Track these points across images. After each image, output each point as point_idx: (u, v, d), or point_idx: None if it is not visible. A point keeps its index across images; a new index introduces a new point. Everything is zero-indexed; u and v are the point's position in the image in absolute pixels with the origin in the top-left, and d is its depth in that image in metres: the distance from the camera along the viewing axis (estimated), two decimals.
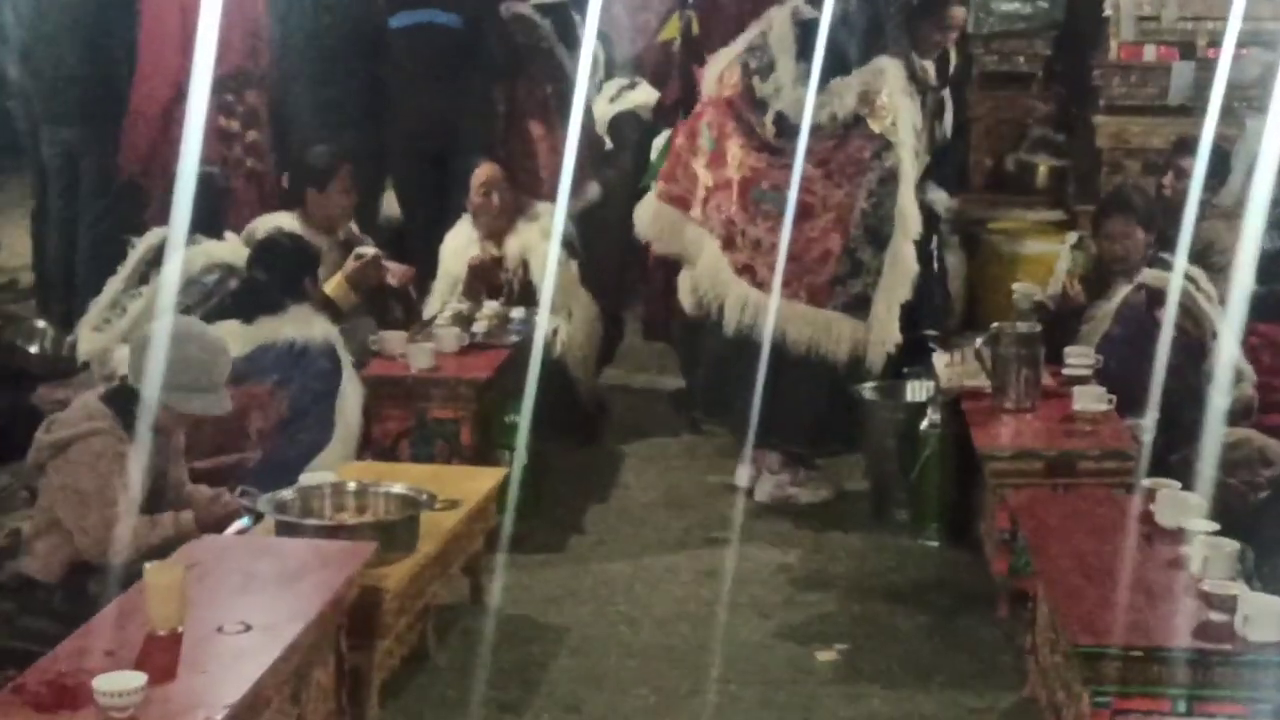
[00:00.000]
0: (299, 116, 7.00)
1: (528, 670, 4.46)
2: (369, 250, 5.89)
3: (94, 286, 6.00)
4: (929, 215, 5.77)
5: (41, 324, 6.64)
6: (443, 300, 6.28)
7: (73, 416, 4.41)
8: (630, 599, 4.99)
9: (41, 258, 7.49)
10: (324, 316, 5.33)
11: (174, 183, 5.66)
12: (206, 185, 5.60)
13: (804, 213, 5.53)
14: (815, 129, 5.48)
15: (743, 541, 5.35)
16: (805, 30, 5.39)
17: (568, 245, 6.26)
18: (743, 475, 5.76)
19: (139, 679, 3.15)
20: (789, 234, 5.52)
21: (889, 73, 5.50)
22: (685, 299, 6.08)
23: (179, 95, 6.27)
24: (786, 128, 5.48)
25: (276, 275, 5.29)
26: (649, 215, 5.94)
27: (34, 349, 6.43)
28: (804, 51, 5.39)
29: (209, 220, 5.59)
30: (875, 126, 5.47)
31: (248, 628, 3.50)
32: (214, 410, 4.43)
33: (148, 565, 3.57)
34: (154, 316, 4.69)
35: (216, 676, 3.27)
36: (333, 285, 5.76)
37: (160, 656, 3.31)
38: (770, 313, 5.51)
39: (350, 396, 5.24)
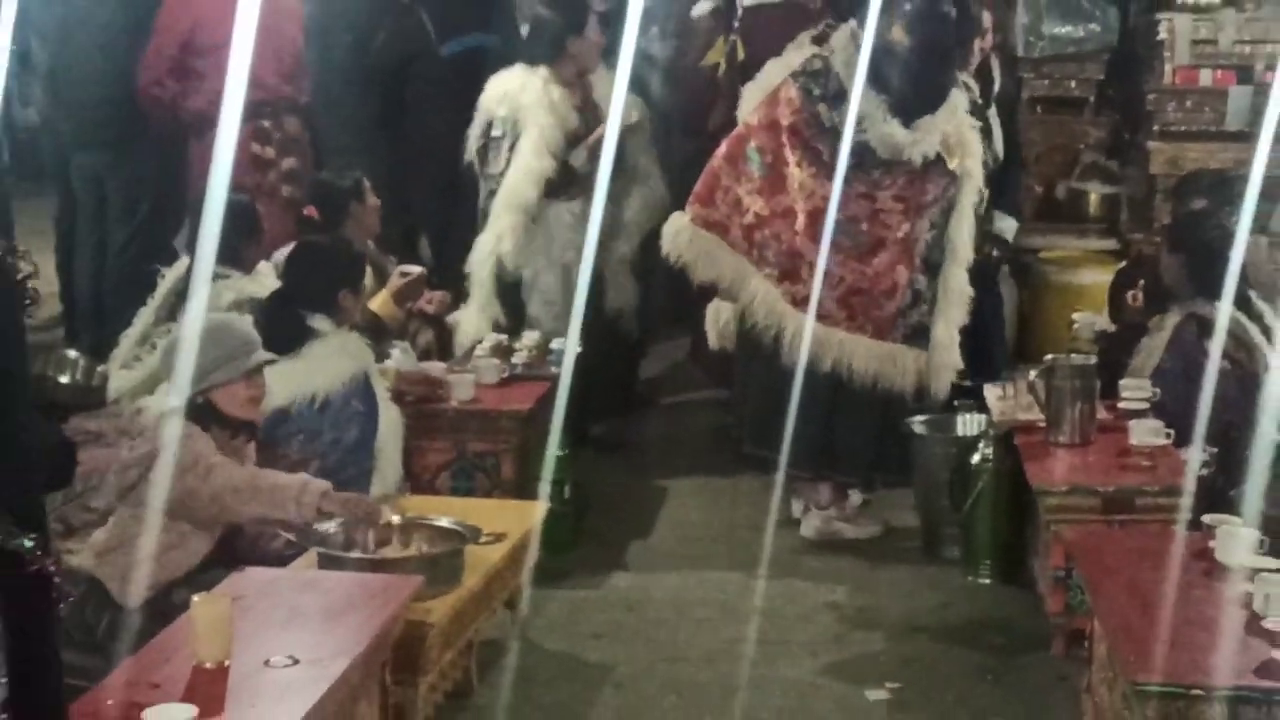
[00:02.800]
0: (340, 145, 7.14)
1: (571, 708, 4.52)
2: (414, 268, 6.05)
3: (123, 315, 6.10)
4: (998, 245, 5.87)
5: (73, 354, 6.70)
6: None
7: (148, 429, 4.54)
8: (674, 636, 5.02)
9: (69, 285, 7.60)
10: (357, 342, 5.25)
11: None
12: (239, 214, 5.64)
13: (876, 246, 5.60)
14: (898, 164, 5.53)
15: (789, 578, 5.39)
16: (872, 55, 5.39)
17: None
18: (792, 509, 5.79)
19: (189, 711, 3.24)
20: (859, 267, 5.59)
21: (960, 108, 5.59)
22: (711, 330, 6.13)
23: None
24: (871, 161, 5.50)
25: (313, 285, 5.20)
26: (685, 241, 5.85)
27: (65, 379, 6.50)
28: (875, 79, 5.41)
29: (238, 251, 5.65)
30: (952, 164, 5.55)
31: (295, 661, 3.55)
32: (263, 359, 4.52)
33: (195, 597, 3.66)
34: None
35: (265, 711, 3.33)
36: (379, 302, 5.85)
37: (208, 689, 3.37)
38: (836, 347, 5.56)
39: (389, 435, 5.23)
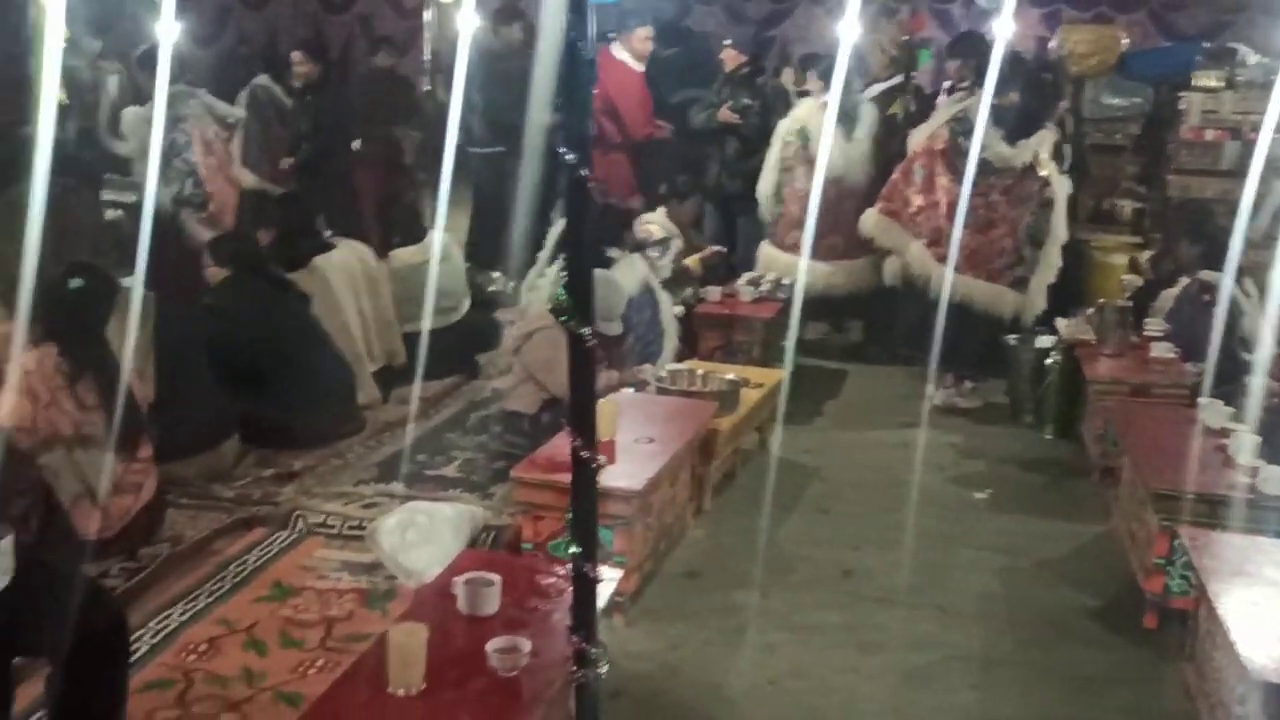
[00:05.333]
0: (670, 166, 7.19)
1: (794, 488, 4.65)
2: (718, 248, 6.36)
3: (527, 253, 6.15)
4: None
5: (496, 274, 6.90)
6: None
7: (532, 318, 4.81)
8: (856, 455, 5.10)
9: (473, 234, 7.53)
10: (638, 260, 5.22)
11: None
12: (622, 215, 5.70)
13: (990, 224, 5.57)
14: (1005, 170, 5.52)
15: (925, 428, 5.39)
16: (995, 109, 5.42)
17: None
18: (929, 389, 5.73)
19: (602, 459, 3.63)
20: (979, 237, 5.57)
21: (1047, 139, 5.58)
22: (887, 276, 6.14)
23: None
24: (989, 169, 5.48)
25: (611, 231, 5.22)
26: (873, 223, 5.96)
27: (491, 288, 6.77)
28: (994, 121, 5.41)
29: (623, 239, 5.48)
30: (1041, 171, 5.52)
31: (651, 440, 3.89)
32: (612, 331, 4.65)
33: (600, 400, 4.02)
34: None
35: (637, 464, 3.68)
36: (692, 260, 6.07)
37: (605, 451, 3.52)
38: (962, 286, 5.55)
39: (667, 311, 5.28)
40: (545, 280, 5.55)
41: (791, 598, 3.76)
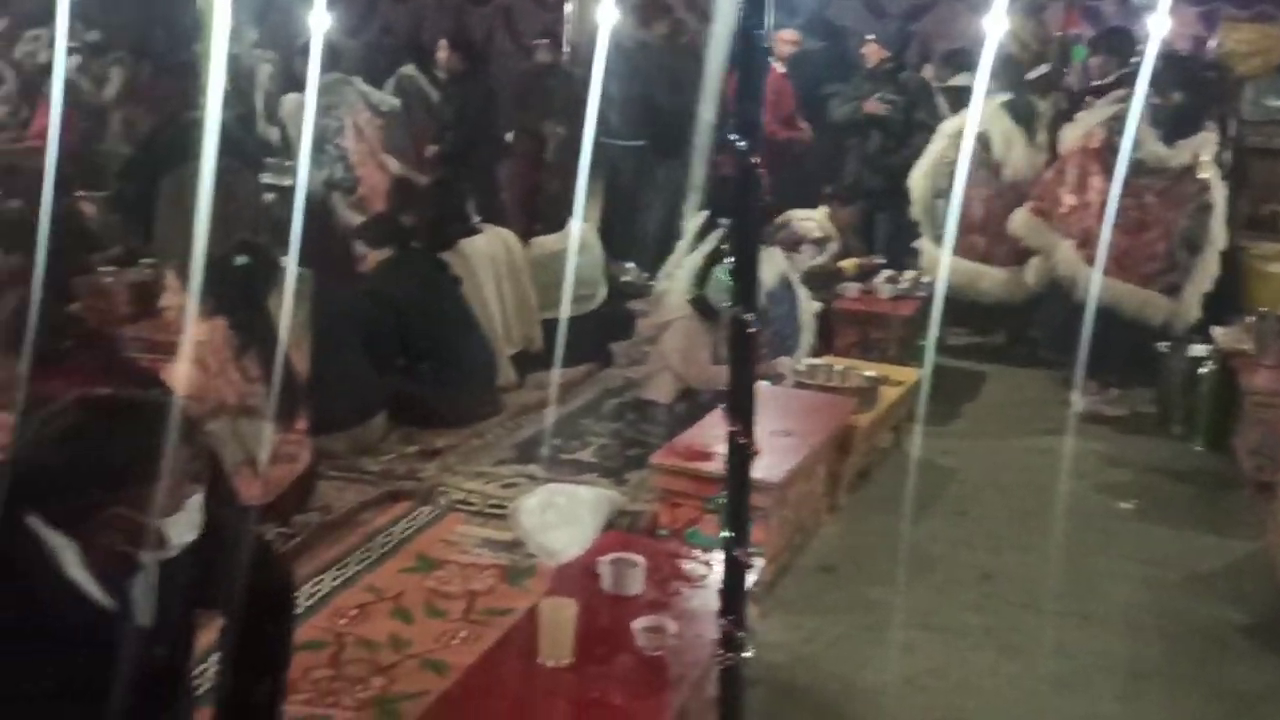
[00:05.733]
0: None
1: (931, 489, 4.56)
2: (878, 259, 6.33)
3: (663, 245, 6.37)
4: None
5: (630, 264, 7.07)
6: None
7: (669, 309, 4.86)
8: (995, 458, 4.99)
9: (607, 224, 7.41)
10: (778, 254, 5.12)
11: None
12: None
13: (1142, 226, 5.43)
14: (1161, 171, 5.39)
15: (1067, 435, 5.22)
16: (1153, 107, 5.29)
17: None
18: (1073, 395, 5.58)
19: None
20: (1130, 239, 5.42)
21: (1209, 141, 5.43)
22: (1030, 276, 6.03)
23: None
24: (1143, 170, 5.35)
25: None
26: (1021, 222, 5.86)
27: (627, 278, 6.92)
28: (1150, 120, 5.28)
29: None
30: (1201, 175, 5.37)
31: (789, 434, 3.90)
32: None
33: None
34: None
35: (778, 457, 3.69)
36: (849, 264, 6.07)
37: None
38: (1110, 290, 5.40)
39: (805, 309, 5.21)
40: (683, 270, 5.46)
41: (929, 597, 3.72)
